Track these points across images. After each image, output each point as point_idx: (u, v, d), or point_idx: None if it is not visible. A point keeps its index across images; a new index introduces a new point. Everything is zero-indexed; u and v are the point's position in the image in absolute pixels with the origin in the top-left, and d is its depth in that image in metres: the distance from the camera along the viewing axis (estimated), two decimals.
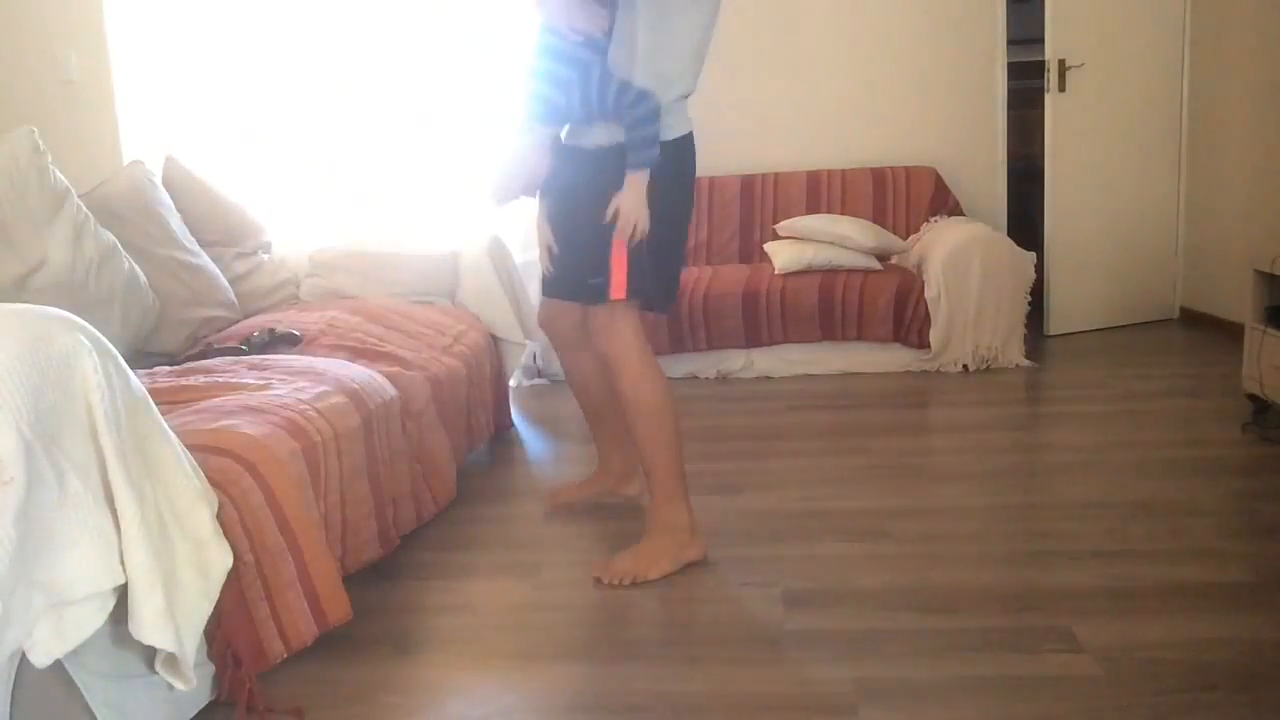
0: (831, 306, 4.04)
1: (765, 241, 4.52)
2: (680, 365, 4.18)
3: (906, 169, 4.67)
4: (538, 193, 2.37)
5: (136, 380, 1.57)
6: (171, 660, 1.57)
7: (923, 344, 4.04)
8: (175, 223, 3.14)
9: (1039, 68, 4.53)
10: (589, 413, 2.64)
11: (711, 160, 5.07)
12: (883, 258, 4.31)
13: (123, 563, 1.45)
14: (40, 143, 2.58)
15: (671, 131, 2.19)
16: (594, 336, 2.33)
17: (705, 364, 4.18)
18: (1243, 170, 4.30)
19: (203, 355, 2.76)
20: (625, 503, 2.68)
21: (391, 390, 2.52)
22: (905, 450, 3.15)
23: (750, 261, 4.58)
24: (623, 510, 2.72)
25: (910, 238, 4.50)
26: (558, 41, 2.20)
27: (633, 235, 2.17)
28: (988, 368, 4.03)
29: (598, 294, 2.23)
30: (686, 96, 2.25)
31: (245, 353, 2.71)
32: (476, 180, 2.53)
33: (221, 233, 3.39)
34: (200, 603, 1.62)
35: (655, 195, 2.17)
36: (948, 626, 1.96)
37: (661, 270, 2.27)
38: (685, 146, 2.26)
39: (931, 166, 4.66)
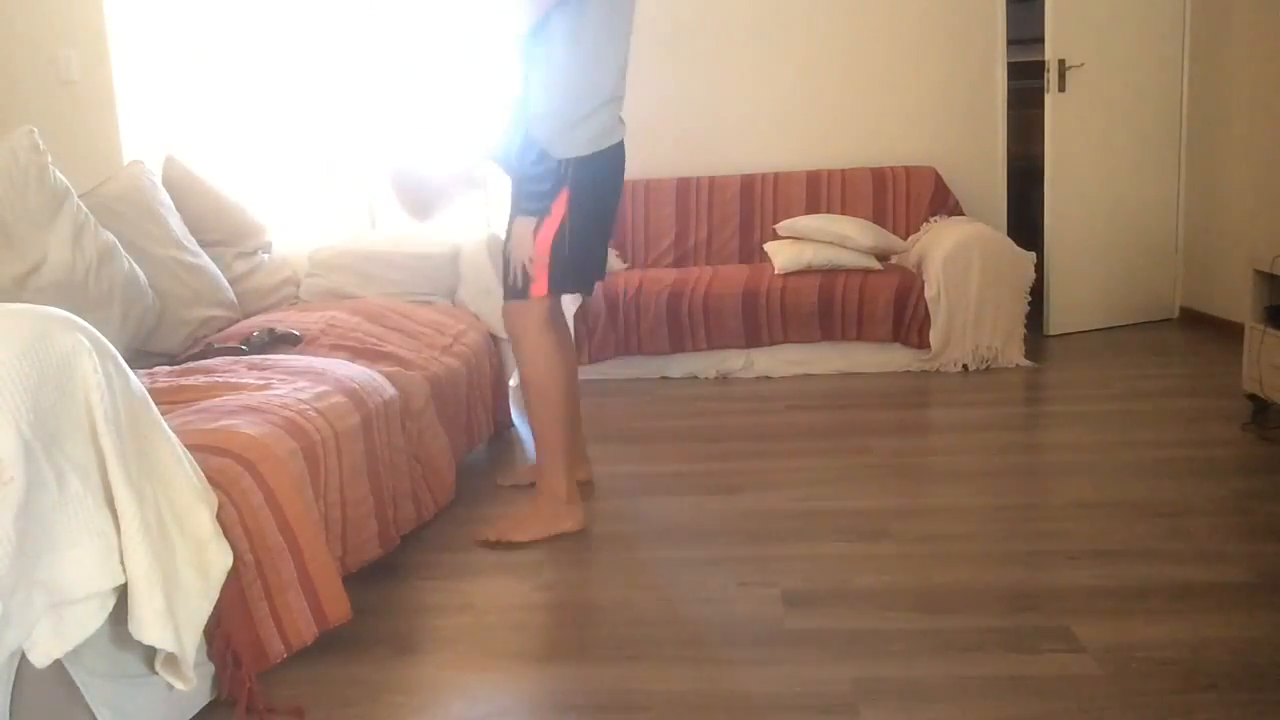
0: (831, 306, 4.04)
1: (765, 241, 4.53)
2: (680, 365, 4.19)
3: (906, 169, 4.67)
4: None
5: (136, 380, 1.57)
6: (171, 660, 1.57)
7: (922, 344, 4.05)
8: (175, 223, 3.13)
9: (1039, 68, 4.53)
10: None
11: (712, 160, 5.10)
12: (882, 257, 4.31)
13: (122, 563, 1.45)
14: (40, 142, 2.58)
15: (587, 147, 2.47)
16: (504, 320, 2.63)
17: (705, 364, 4.18)
18: (1243, 170, 4.30)
19: (203, 355, 2.76)
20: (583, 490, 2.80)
21: (391, 390, 2.52)
22: (905, 450, 3.15)
23: (750, 261, 4.58)
24: (623, 512, 2.73)
25: (910, 238, 4.51)
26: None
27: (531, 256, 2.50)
28: (987, 368, 4.03)
29: (520, 293, 2.55)
30: (607, 108, 2.50)
31: (245, 353, 2.71)
32: (397, 197, 2.73)
33: (221, 233, 3.39)
34: (200, 603, 1.63)
35: (574, 206, 2.48)
36: (948, 626, 1.96)
37: (581, 261, 2.56)
38: (601, 161, 2.51)
39: (931, 166, 4.66)
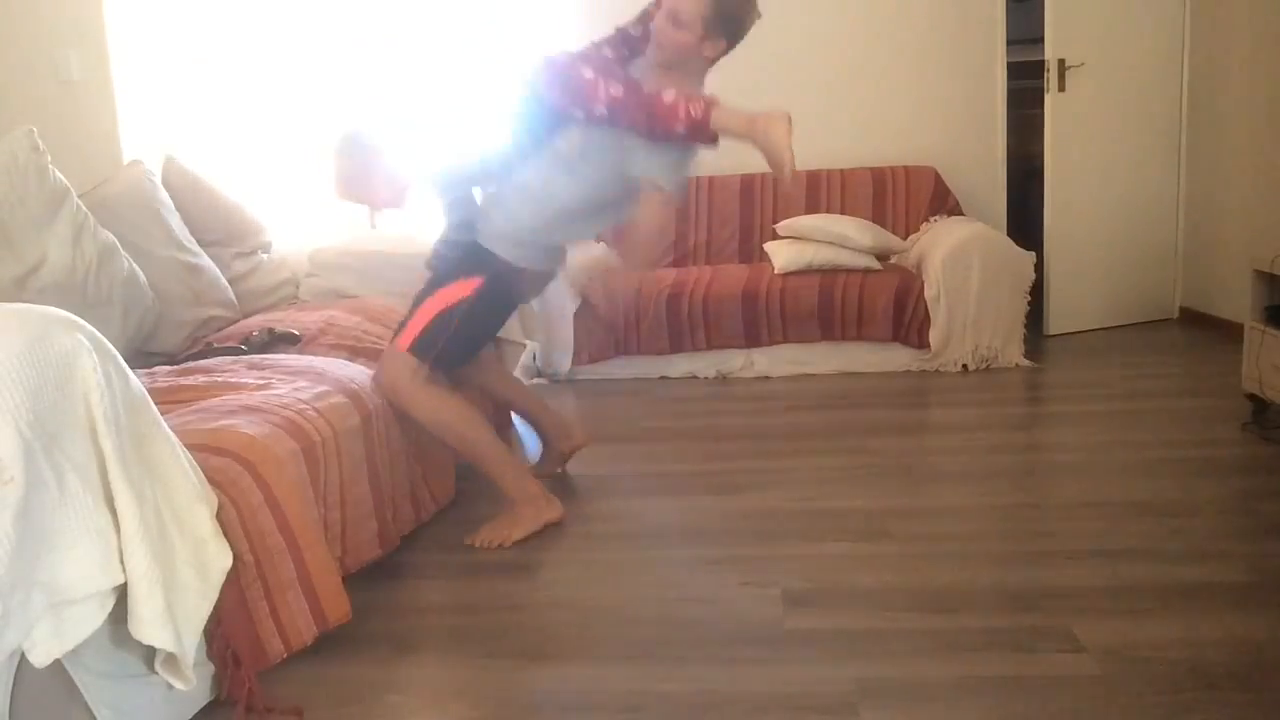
0: (831, 306, 4.04)
1: (765, 241, 4.52)
2: (680, 365, 4.18)
3: (906, 169, 4.67)
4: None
5: (136, 380, 1.57)
6: (171, 660, 1.57)
7: (922, 344, 4.04)
8: (175, 223, 3.14)
9: (1039, 68, 4.53)
10: (503, 412, 3.08)
11: (712, 160, 5.07)
12: (882, 257, 4.31)
13: (122, 562, 1.45)
14: (39, 142, 2.58)
15: (519, 260, 2.50)
16: (380, 367, 2.55)
17: (705, 364, 4.18)
18: (1243, 170, 4.30)
19: (202, 355, 2.76)
20: (578, 463, 2.92)
21: None
22: (905, 450, 3.15)
23: (750, 261, 4.58)
24: (623, 512, 2.73)
25: (910, 237, 4.50)
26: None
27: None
28: (987, 367, 4.03)
29: (395, 333, 2.54)
30: (553, 243, 2.57)
31: (245, 352, 2.71)
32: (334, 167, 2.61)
33: (221, 233, 3.39)
34: (200, 602, 1.63)
35: (479, 298, 2.49)
36: (948, 626, 1.96)
37: (457, 349, 2.54)
38: (520, 278, 2.55)
39: (931, 166, 4.66)
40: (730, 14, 2.33)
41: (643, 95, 2.30)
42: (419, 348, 2.47)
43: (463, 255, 2.52)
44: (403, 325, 2.52)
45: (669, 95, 2.28)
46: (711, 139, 2.34)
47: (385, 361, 2.52)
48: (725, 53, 2.42)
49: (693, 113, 2.27)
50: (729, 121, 2.31)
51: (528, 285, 2.64)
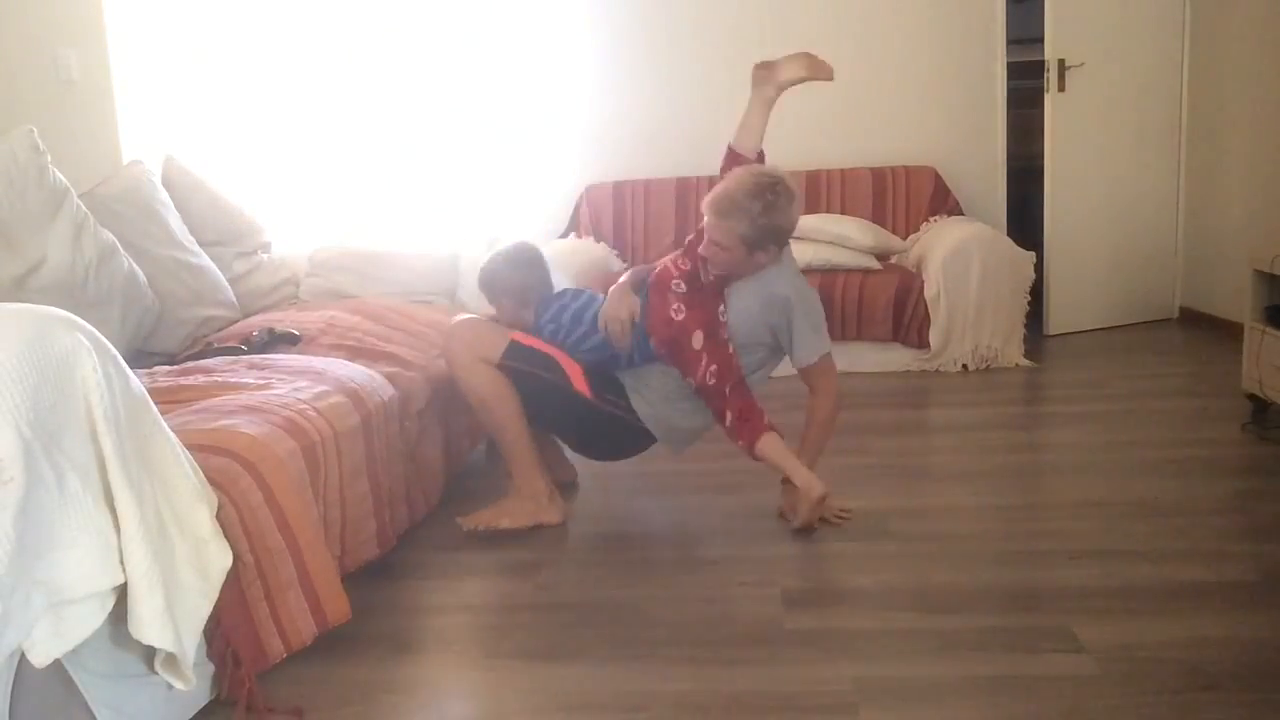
0: (831, 306, 4.03)
1: None
2: None
3: (906, 169, 4.67)
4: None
5: (136, 380, 1.57)
6: (171, 660, 1.57)
7: (922, 344, 4.04)
8: (175, 222, 3.13)
9: (1039, 68, 4.53)
10: None
11: (712, 160, 5.06)
12: (882, 257, 4.31)
13: (122, 562, 1.45)
14: (39, 142, 2.58)
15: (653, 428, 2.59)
16: (447, 338, 2.61)
17: None
18: (1243, 170, 4.30)
19: (202, 355, 2.75)
20: (561, 490, 2.84)
21: (391, 390, 2.51)
22: (905, 450, 3.15)
23: None
24: (623, 512, 2.73)
25: (910, 237, 4.50)
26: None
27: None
28: (987, 367, 4.03)
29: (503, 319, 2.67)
30: None
31: (245, 352, 2.71)
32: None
33: (221, 233, 3.39)
34: (200, 602, 1.62)
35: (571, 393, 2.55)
36: (948, 626, 1.96)
37: (537, 396, 2.57)
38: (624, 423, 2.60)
39: (931, 166, 4.66)
40: (766, 230, 2.39)
41: (726, 392, 2.44)
42: (513, 354, 2.52)
43: (601, 371, 2.56)
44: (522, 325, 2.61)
45: (741, 420, 2.44)
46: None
47: (461, 327, 2.57)
48: (779, 254, 2.50)
49: (743, 442, 2.46)
50: (773, 457, 2.47)
51: (626, 445, 2.66)
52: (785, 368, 2.61)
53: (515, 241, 2.76)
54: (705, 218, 2.41)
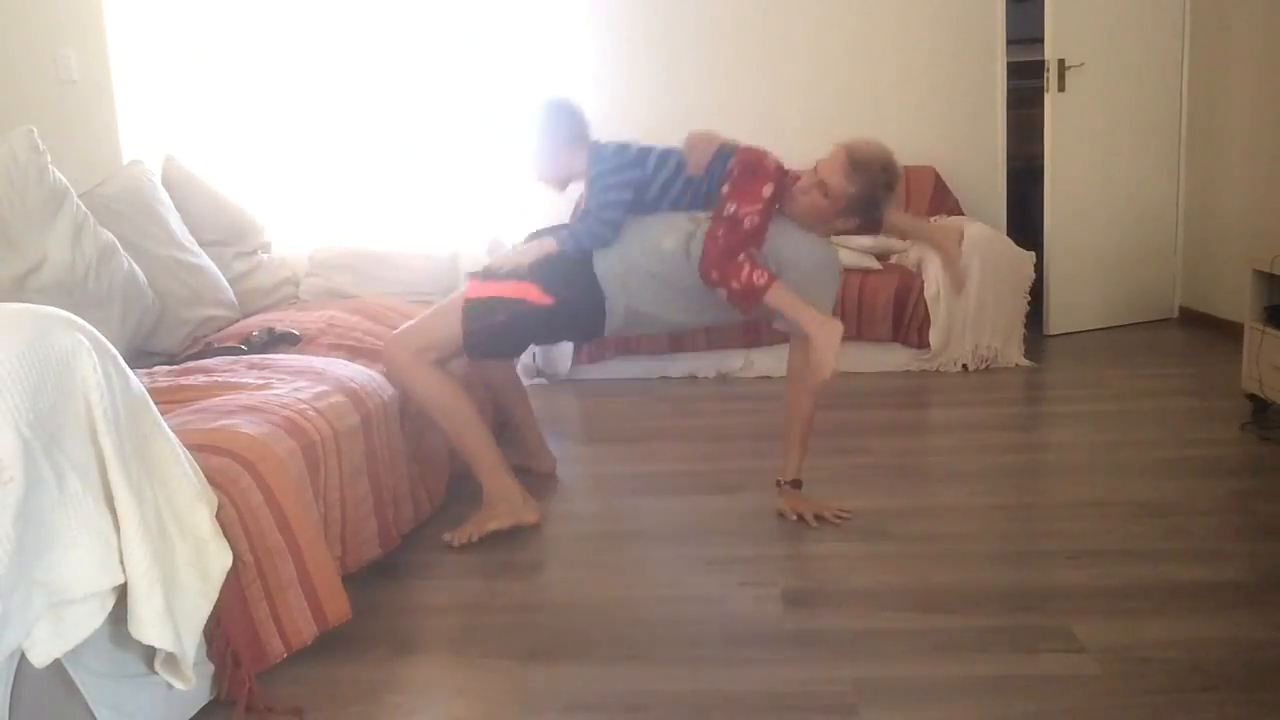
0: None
1: None
2: (680, 365, 4.18)
3: (906, 169, 4.63)
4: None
5: (136, 380, 1.57)
6: (171, 660, 1.57)
7: (922, 343, 4.04)
8: (175, 222, 3.14)
9: (1039, 68, 4.53)
10: (499, 407, 3.09)
11: None
12: (882, 257, 4.31)
13: (122, 562, 1.45)
14: (39, 142, 2.58)
15: (610, 294, 2.52)
16: (386, 351, 2.59)
17: (705, 364, 4.18)
18: (1243, 170, 4.30)
19: (202, 355, 2.76)
20: (542, 480, 2.94)
21: (391, 390, 2.52)
22: (905, 450, 3.15)
23: None
24: (623, 512, 2.73)
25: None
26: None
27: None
28: (987, 367, 4.03)
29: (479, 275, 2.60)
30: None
31: (245, 352, 2.71)
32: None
33: (221, 233, 3.39)
34: (200, 602, 1.62)
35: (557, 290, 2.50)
36: (948, 626, 1.96)
37: (512, 338, 2.59)
38: (590, 312, 2.54)
39: (931, 166, 4.66)
40: (871, 199, 2.41)
41: (748, 240, 2.39)
42: (473, 317, 2.49)
43: (564, 269, 2.51)
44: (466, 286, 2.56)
45: (754, 265, 2.36)
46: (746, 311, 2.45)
47: (393, 339, 2.57)
48: (851, 230, 2.53)
49: (758, 278, 2.35)
50: (783, 300, 2.39)
51: (591, 331, 2.61)
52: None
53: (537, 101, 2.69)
54: (828, 159, 2.41)
